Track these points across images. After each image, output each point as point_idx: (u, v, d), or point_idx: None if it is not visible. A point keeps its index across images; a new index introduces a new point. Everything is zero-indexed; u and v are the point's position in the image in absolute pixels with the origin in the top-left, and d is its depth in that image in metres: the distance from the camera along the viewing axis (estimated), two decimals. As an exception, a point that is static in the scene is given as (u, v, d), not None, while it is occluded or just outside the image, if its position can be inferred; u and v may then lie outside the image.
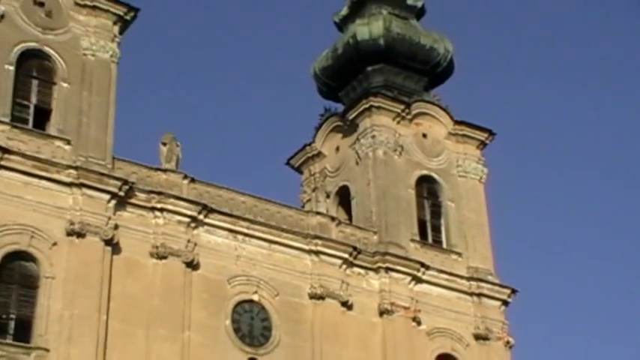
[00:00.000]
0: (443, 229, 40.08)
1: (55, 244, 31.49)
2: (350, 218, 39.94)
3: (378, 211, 38.78)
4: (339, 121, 41.81)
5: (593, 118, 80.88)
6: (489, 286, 39.07)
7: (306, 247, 36.25)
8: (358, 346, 36.05)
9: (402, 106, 40.68)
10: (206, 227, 34.67)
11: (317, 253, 36.27)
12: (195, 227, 34.43)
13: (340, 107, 43.23)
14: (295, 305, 35.45)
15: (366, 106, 40.26)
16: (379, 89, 41.43)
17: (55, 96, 33.69)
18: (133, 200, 33.50)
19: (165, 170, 34.77)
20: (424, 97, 42.19)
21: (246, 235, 35.29)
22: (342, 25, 45.07)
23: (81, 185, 32.28)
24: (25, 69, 33.44)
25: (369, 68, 42.71)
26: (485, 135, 42.01)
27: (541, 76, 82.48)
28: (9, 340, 30.00)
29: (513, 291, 39.51)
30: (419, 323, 37.21)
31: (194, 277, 33.87)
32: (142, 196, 33.72)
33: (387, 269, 37.27)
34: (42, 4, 34.20)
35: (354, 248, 36.96)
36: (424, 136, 41.14)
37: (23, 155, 31.76)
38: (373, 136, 39.93)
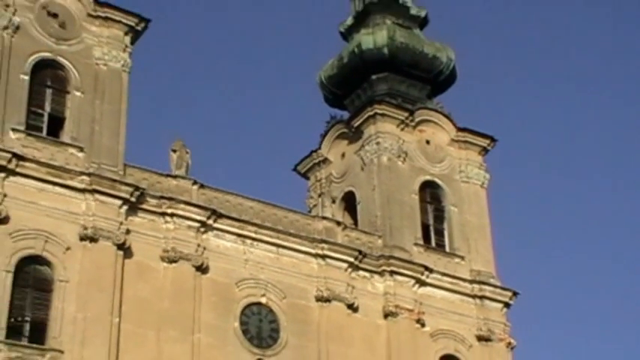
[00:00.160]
0: (446, 233, 40.04)
1: (68, 248, 31.54)
2: (355, 223, 39.93)
3: (383, 215, 38.79)
4: (345, 128, 41.82)
5: (591, 124, 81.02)
6: (491, 288, 39.03)
7: (313, 251, 36.25)
8: (363, 348, 36.03)
9: (406, 114, 40.68)
10: (215, 232, 34.68)
11: (323, 256, 36.28)
12: (205, 232, 34.46)
13: (346, 115, 43.21)
14: (302, 307, 35.46)
15: (371, 113, 40.27)
16: (383, 97, 41.45)
17: (68, 104, 33.73)
18: (144, 206, 33.53)
19: (175, 176, 34.78)
20: (427, 105, 42.17)
21: (254, 239, 35.29)
22: (347, 34, 45.08)
23: (94, 191, 32.32)
24: (39, 78, 33.49)
25: (374, 77, 42.74)
26: (487, 141, 41.99)
27: (541, 84, 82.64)
28: (24, 342, 30.06)
29: (515, 293, 39.46)
30: (423, 325, 37.21)
31: (204, 280, 33.89)
32: (153, 201, 33.74)
33: (392, 272, 37.26)
34: (56, 16, 34.28)
35: (360, 252, 36.97)
36: (427, 142, 41.13)
37: (38, 162, 31.83)
38: (378, 143, 39.93)
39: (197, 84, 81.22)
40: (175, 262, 33.43)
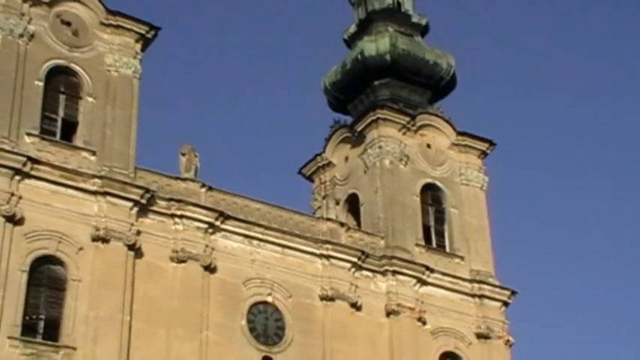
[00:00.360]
0: (446, 234, 40.00)
1: (81, 248, 31.60)
2: (358, 224, 39.90)
3: (385, 217, 38.78)
4: (348, 132, 41.83)
5: (586, 128, 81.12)
6: (490, 287, 38.99)
7: (317, 252, 36.25)
8: (366, 345, 36.04)
9: (408, 118, 40.70)
10: (223, 233, 34.69)
11: (327, 257, 36.28)
12: (213, 233, 34.49)
13: (349, 119, 43.19)
14: (307, 306, 35.46)
15: (374, 118, 40.29)
16: (385, 102, 41.45)
17: (81, 110, 33.81)
18: (154, 207, 33.57)
19: (184, 179, 34.81)
20: (428, 110, 42.17)
21: (260, 240, 35.31)
22: (350, 42, 45.07)
23: (105, 193, 32.38)
24: (53, 84, 33.58)
25: (376, 82, 42.74)
26: (486, 145, 41.97)
27: (538, 89, 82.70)
28: (39, 339, 30.15)
29: (513, 292, 39.43)
30: (424, 323, 37.19)
31: (212, 280, 33.89)
32: (163, 203, 33.78)
33: (394, 272, 37.24)
34: (69, 24, 34.39)
35: (363, 252, 36.98)
36: (428, 146, 41.11)
37: (51, 165, 31.92)
38: (380, 147, 39.95)
39: (206, 90, 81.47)
40: (184, 262, 33.45)
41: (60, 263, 31.30)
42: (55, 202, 31.68)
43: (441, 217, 40.32)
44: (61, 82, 33.88)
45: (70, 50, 34.14)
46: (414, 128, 40.86)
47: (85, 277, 31.31)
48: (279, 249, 35.63)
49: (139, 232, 32.83)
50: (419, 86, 43.26)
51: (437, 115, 41.91)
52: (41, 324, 30.42)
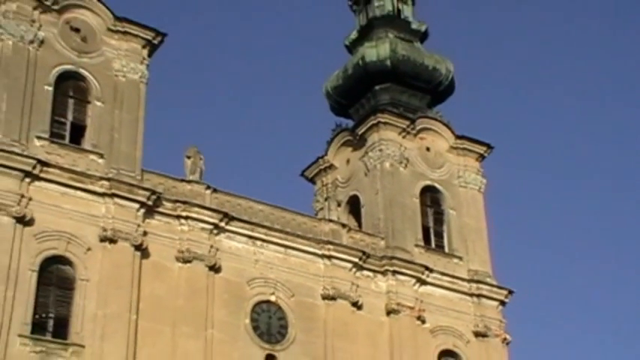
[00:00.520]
0: (445, 234, 40.01)
1: (89, 249, 31.65)
2: (359, 225, 39.93)
3: (386, 218, 38.82)
4: (349, 135, 41.87)
5: (581, 131, 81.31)
6: (488, 287, 39.01)
7: (319, 252, 36.28)
8: (367, 343, 36.06)
9: (407, 122, 40.73)
10: (227, 234, 34.73)
11: (329, 257, 36.31)
12: (217, 234, 34.53)
13: (350, 123, 43.24)
14: (309, 305, 35.49)
15: (374, 122, 40.33)
16: (386, 106, 41.47)
17: (89, 114, 33.87)
18: (160, 209, 33.62)
19: (189, 181, 34.86)
20: (427, 114, 42.18)
21: (264, 240, 35.34)
22: (352, 47, 45.12)
23: (113, 195, 32.43)
24: (62, 89, 33.65)
25: (377, 87, 42.79)
26: (484, 148, 41.97)
27: (535, 94, 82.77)
28: (48, 337, 30.23)
29: (510, 292, 39.42)
30: (423, 322, 37.22)
31: (216, 279, 33.92)
32: (169, 205, 33.83)
33: (394, 272, 37.26)
34: (78, 30, 34.48)
35: (364, 253, 37.01)
36: (427, 149, 41.14)
37: (61, 168, 31.99)
38: (381, 150, 39.99)
39: (211, 94, 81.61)
40: (189, 262, 33.50)
41: (69, 263, 31.36)
42: (64, 204, 31.75)
43: (439, 218, 40.33)
44: (70, 86, 33.96)
45: (78, 56, 34.23)
46: (414, 132, 40.90)
47: (93, 276, 31.37)
48: (282, 249, 35.66)
49: (145, 233, 32.89)
50: (418, 91, 43.28)
51: (436, 119, 41.93)
52: (51, 322, 30.50)
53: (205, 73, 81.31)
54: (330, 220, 37.46)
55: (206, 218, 34.26)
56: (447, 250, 39.73)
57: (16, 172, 31.09)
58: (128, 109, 34.41)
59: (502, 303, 39.24)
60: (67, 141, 33.04)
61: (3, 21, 33.03)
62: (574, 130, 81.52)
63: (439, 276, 38.35)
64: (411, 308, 37.05)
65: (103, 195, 32.42)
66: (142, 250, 32.67)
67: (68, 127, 33.37)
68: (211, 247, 34.14)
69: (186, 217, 33.94)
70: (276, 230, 35.64)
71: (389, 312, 36.80)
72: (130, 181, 32.97)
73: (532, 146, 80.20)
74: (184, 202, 33.99)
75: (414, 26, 44.90)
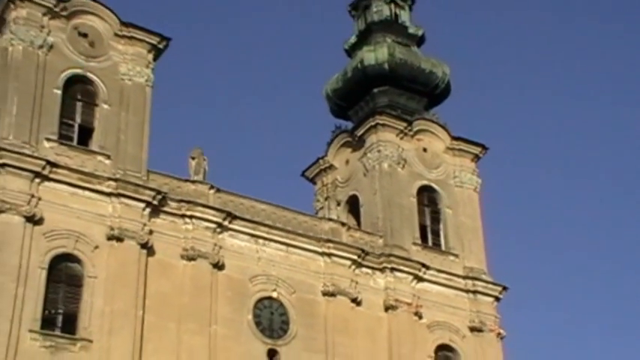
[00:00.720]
0: (441, 233, 40.05)
1: (97, 247, 31.74)
2: (359, 224, 39.98)
3: (384, 217, 38.86)
4: (349, 137, 41.93)
5: (574, 132, 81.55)
6: (483, 283, 39.04)
7: (320, 250, 36.35)
8: (366, 338, 36.12)
9: (405, 124, 40.81)
10: (230, 232, 34.79)
11: (329, 255, 36.38)
12: (221, 232, 34.60)
13: (349, 125, 43.34)
14: (310, 302, 35.54)
15: (373, 123, 40.38)
16: (384, 109, 41.54)
17: (96, 116, 33.97)
18: (165, 208, 33.70)
19: (193, 181, 34.94)
20: (424, 116, 42.24)
21: (265, 239, 35.42)
22: (351, 51, 45.18)
23: (119, 195, 32.53)
24: (70, 92, 33.74)
25: (375, 90, 42.85)
26: (479, 149, 42.02)
27: (530, 96, 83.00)
28: (57, 332, 30.35)
29: (504, 288, 39.47)
30: (420, 317, 37.29)
31: (220, 276, 33.98)
32: (174, 204, 33.92)
33: (392, 269, 37.34)
34: (85, 36, 34.57)
35: (362, 250, 37.08)
36: (424, 150, 41.18)
37: (69, 169, 32.10)
38: (379, 151, 40.04)
39: (214, 96, 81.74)
40: (194, 259, 33.59)
41: (77, 261, 31.46)
42: (72, 204, 31.86)
43: (436, 217, 40.37)
44: (78, 90, 34.05)
45: (86, 60, 34.33)
46: (411, 133, 40.97)
47: (101, 274, 31.47)
48: (283, 247, 35.75)
49: (151, 232, 32.98)
50: (415, 93, 43.33)
51: (432, 121, 41.99)
52: (60, 318, 30.62)
53: (209, 76, 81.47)
54: (330, 219, 37.55)
55: (210, 217, 34.34)
56: (443, 247, 39.77)
57: (27, 172, 31.22)
58: (134, 112, 34.50)
59: (497, 299, 39.28)
60: (75, 143, 33.15)
61: (13, 27, 33.20)
62: (566, 131, 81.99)
63: (436, 273, 38.41)
64: (409, 304, 37.12)
65: (110, 195, 32.52)
66: (148, 248, 32.76)
67: (76, 129, 33.47)
68: (215, 245, 34.21)
69: (191, 216, 34.03)
70: (277, 229, 35.71)
71: (387, 308, 36.86)
72: (136, 181, 33.05)
73: (526, 147, 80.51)
74: (189, 202, 34.09)
75: (411, 31, 44.97)
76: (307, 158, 43.61)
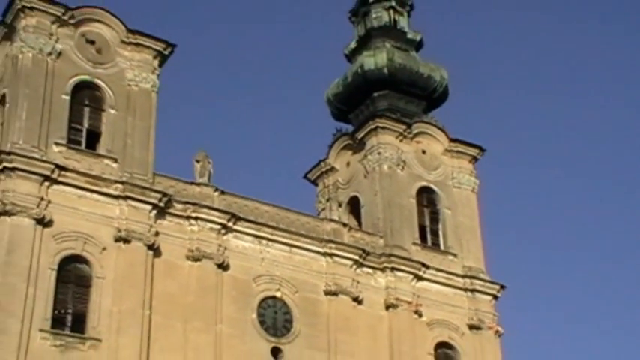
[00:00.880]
0: (440, 233, 40.09)
1: (104, 248, 31.87)
2: (360, 224, 40.03)
3: (384, 218, 38.91)
4: (350, 140, 41.99)
5: (569, 134, 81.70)
6: (481, 282, 39.08)
7: (322, 250, 36.43)
8: (368, 336, 36.18)
9: (404, 127, 40.86)
10: (235, 233, 34.85)
11: (331, 255, 36.45)
12: (225, 233, 34.67)
13: (350, 128, 43.31)
14: (313, 301, 35.60)
15: (373, 126, 40.44)
16: (384, 112, 41.63)
17: (104, 121, 34.09)
18: (171, 210, 33.81)
19: (198, 184, 35.02)
20: (423, 119, 42.29)
21: (269, 239, 35.49)
22: (351, 56, 45.26)
23: (126, 198, 32.65)
24: (78, 98, 33.87)
25: (375, 94, 42.92)
26: (477, 151, 42.03)
27: (526, 98, 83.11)
28: (67, 332, 30.47)
29: (502, 286, 39.52)
30: (420, 315, 37.35)
31: (224, 276, 34.04)
32: (179, 206, 34.00)
33: (392, 269, 37.40)
34: (93, 43, 34.73)
35: (364, 251, 37.17)
36: (423, 152, 41.22)
37: (77, 172, 32.23)
38: (379, 153, 40.10)
39: (218, 101, 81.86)
40: (199, 260, 33.68)
41: (86, 262, 31.58)
42: (80, 206, 31.99)
43: (435, 217, 40.42)
44: (86, 95, 34.19)
45: (94, 67, 34.48)
46: (411, 136, 41.04)
47: (109, 274, 31.59)
48: (286, 248, 35.82)
49: (157, 233, 33.10)
50: (414, 97, 43.39)
51: (431, 124, 42.03)
52: (69, 318, 30.73)
53: (214, 81, 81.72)
54: (332, 220, 37.62)
55: (215, 219, 34.44)
56: (442, 247, 39.84)
57: (36, 176, 31.38)
58: (140, 117, 34.62)
59: (495, 297, 39.32)
60: (83, 147, 33.28)
61: (23, 35, 33.38)
62: (562, 133, 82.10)
63: (435, 272, 38.47)
64: (409, 303, 37.19)
65: (117, 197, 32.64)
66: (154, 250, 32.87)
67: (84, 133, 33.59)
68: (220, 246, 34.29)
69: (196, 218, 34.13)
70: (280, 230, 35.80)
71: (388, 306, 36.94)
72: (142, 184, 33.18)
73: (522, 149, 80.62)
74: (194, 204, 34.20)
75: (409, 36, 45.04)
76: (309, 161, 43.77)
